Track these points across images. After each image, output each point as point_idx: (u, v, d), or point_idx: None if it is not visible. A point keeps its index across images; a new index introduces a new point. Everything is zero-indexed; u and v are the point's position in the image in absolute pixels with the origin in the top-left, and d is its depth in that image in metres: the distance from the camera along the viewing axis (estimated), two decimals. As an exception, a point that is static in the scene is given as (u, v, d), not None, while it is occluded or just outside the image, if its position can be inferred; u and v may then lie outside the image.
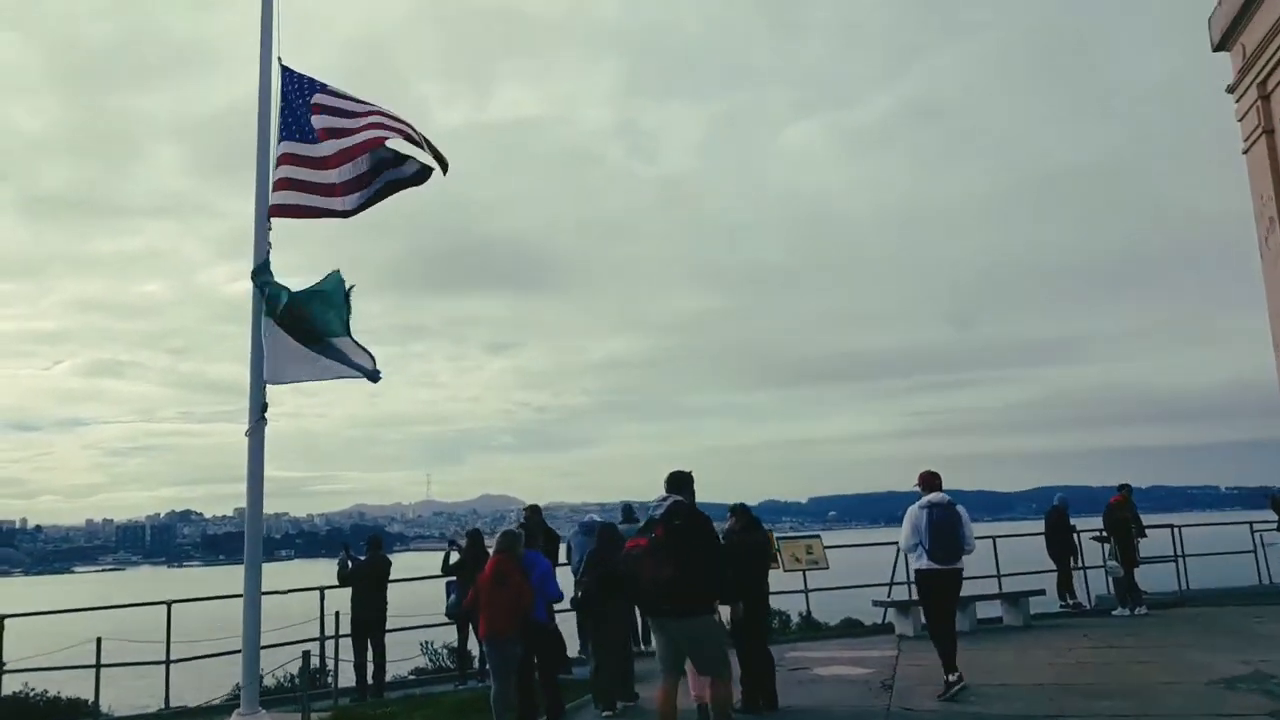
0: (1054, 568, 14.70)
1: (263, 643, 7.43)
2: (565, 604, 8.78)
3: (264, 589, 7.46)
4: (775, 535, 12.92)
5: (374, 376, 6.70)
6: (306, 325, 6.43)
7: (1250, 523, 16.29)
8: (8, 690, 11.72)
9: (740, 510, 8.68)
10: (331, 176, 6.81)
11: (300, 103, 6.91)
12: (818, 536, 14.39)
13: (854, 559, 15.70)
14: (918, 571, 8.91)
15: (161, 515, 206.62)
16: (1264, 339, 12.28)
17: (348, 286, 6.66)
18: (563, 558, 11.35)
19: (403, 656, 12.68)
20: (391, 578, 11.82)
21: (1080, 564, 14.83)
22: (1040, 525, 15.15)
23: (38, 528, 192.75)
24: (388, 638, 11.58)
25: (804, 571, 13.67)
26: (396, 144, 6.96)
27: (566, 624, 10.44)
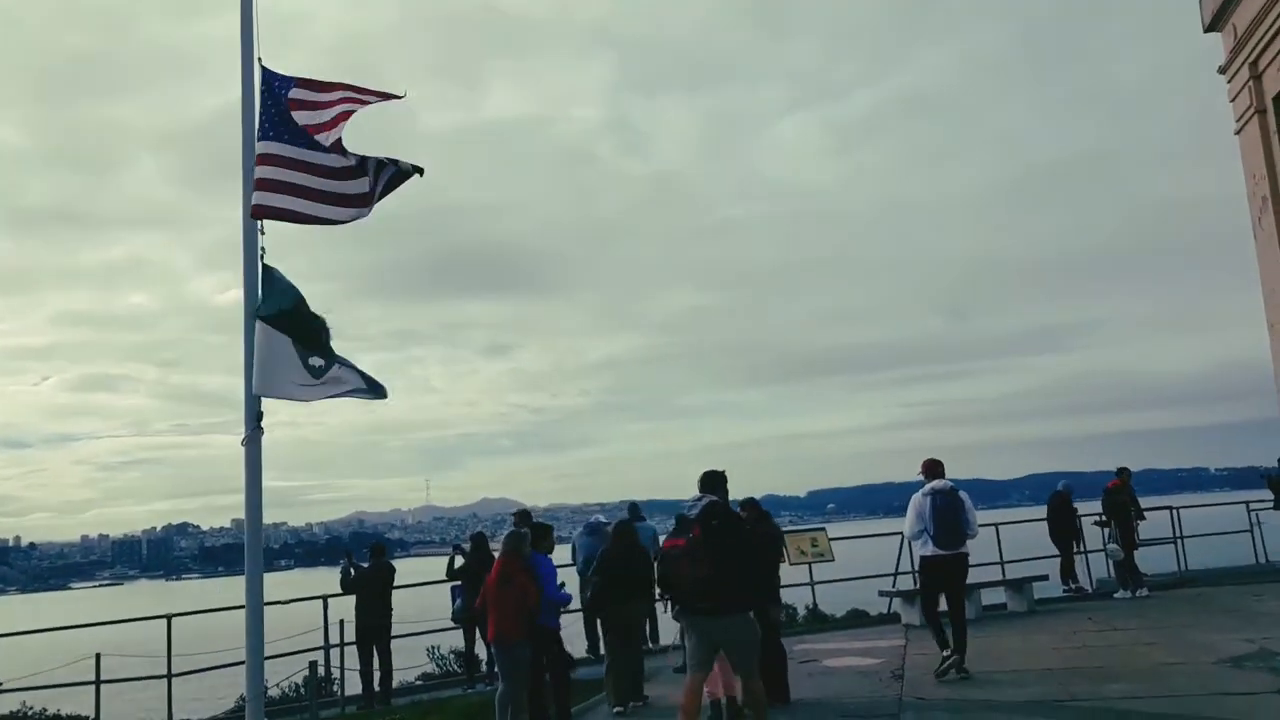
0: (1056, 553, 14.74)
1: (266, 653, 7.36)
2: (574, 604, 8.74)
3: (265, 599, 7.38)
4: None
5: (382, 392, 6.52)
6: (315, 326, 6.26)
7: (1247, 502, 16.40)
8: (5, 709, 11.59)
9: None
10: (316, 183, 6.68)
11: (280, 102, 6.81)
12: (822, 529, 14.40)
13: (857, 550, 15.70)
14: (922, 558, 8.98)
15: (158, 529, 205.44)
16: (1249, 322, 12.36)
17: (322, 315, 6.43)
18: (567, 558, 11.31)
19: (409, 663, 12.61)
20: (395, 584, 11.76)
21: (1082, 549, 14.87)
22: (1037, 511, 15.20)
23: (32, 545, 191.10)
24: (393, 644, 11.52)
25: (809, 564, 13.69)
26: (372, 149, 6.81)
27: (573, 625, 10.41)
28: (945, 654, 8.66)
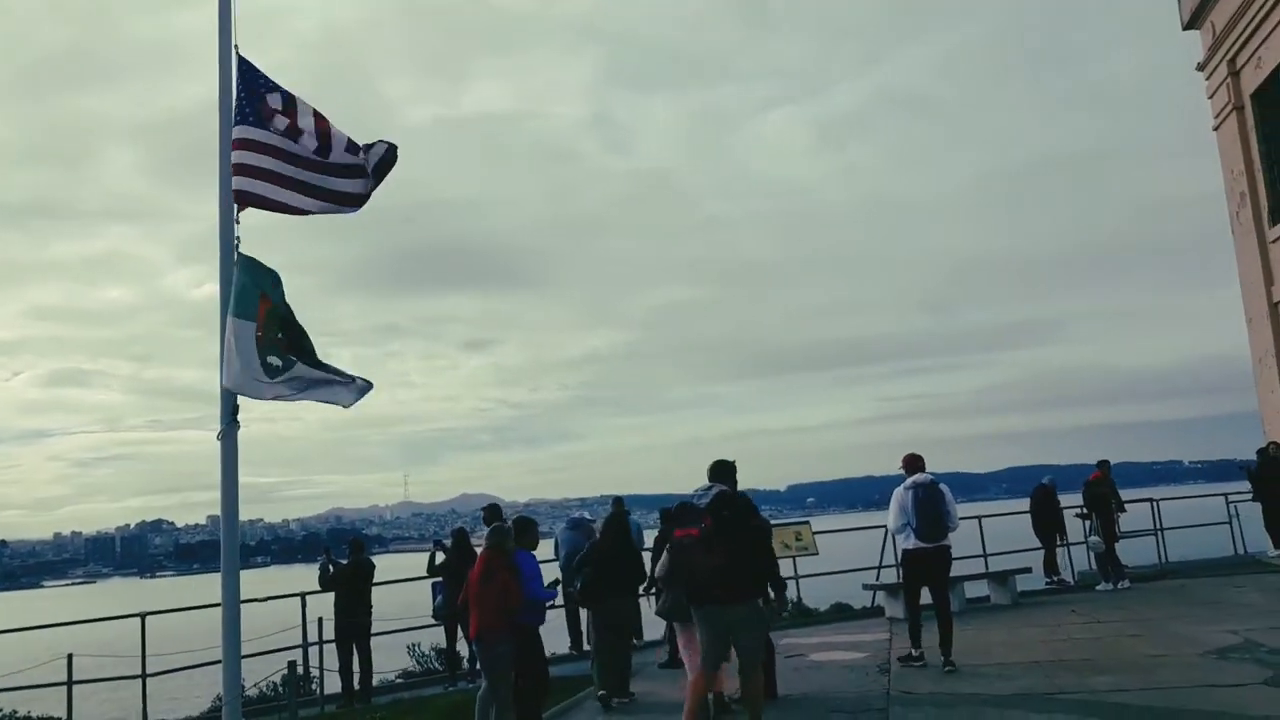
0: (1038, 545, 14.80)
1: (243, 652, 7.17)
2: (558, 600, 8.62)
3: (242, 597, 7.19)
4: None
5: (351, 400, 6.29)
6: (294, 332, 6.06)
7: (1225, 494, 16.58)
8: (-25, 711, 11.33)
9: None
10: (295, 172, 6.51)
11: (257, 92, 6.65)
12: (807, 523, 14.39)
13: (840, 543, 15.71)
14: (905, 551, 9.04)
15: (132, 526, 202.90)
16: (1223, 318, 12.52)
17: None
18: (550, 553, 11.18)
19: (389, 661, 12.45)
20: (375, 581, 11.58)
21: (1064, 541, 14.96)
22: (1016, 504, 15.28)
23: (3, 543, 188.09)
24: (373, 642, 11.36)
25: (794, 558, 13.66)
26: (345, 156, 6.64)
27: (556, 619, 10.28)
28: (914, 651, 8.86)
